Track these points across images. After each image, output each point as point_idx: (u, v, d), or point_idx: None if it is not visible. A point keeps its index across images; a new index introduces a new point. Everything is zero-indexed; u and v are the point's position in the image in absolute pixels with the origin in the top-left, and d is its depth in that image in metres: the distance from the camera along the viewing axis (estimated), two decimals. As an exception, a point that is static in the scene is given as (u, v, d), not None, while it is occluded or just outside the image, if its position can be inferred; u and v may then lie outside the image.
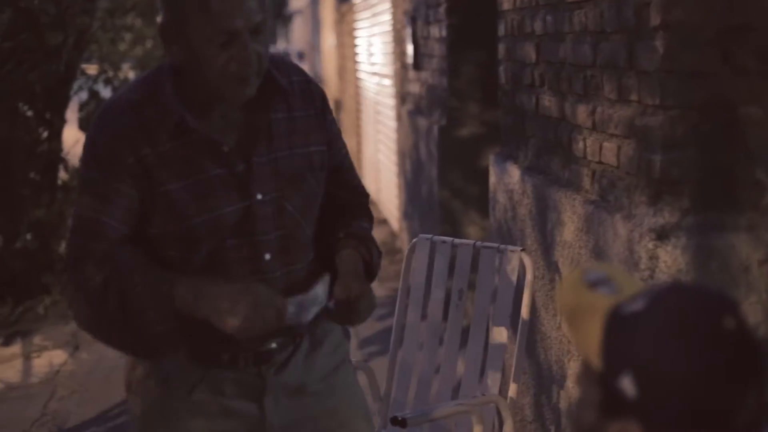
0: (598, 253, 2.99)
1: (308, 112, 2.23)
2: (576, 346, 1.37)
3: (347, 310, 2.18)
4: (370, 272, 2.28)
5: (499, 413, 3.04)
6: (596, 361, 1.32)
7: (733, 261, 2.64)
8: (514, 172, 3.86)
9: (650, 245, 2.67)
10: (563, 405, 3.38)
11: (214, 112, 2.11)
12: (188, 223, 2.09)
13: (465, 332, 3.26)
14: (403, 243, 7.37)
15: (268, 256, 2.15)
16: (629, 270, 2.73)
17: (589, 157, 3.15)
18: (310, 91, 2.25)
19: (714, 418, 1.24)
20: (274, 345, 2.21)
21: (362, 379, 4.35)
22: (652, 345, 1.25)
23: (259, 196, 2.13)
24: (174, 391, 2.17)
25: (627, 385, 1.26)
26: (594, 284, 1.37)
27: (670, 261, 2.65)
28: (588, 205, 3.10)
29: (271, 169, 2.14)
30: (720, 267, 2.64)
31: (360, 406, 2.37)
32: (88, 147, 2.14)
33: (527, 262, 3.11)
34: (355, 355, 5.49)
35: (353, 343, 5.76)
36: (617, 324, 1.30)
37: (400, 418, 2.75)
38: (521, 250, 3.16)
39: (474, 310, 3.24)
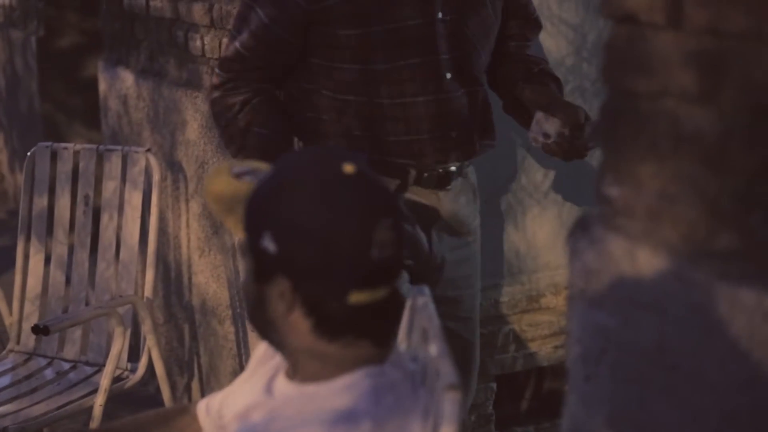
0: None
1: None
2: (230, 229, 1.50)
3: (572, 138, 2.26)
4: None
5: (136, 314, 3.06)
6: (243, 234, 1.43)
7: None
8: (127, 77, 3.82)
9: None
10: (196, 302, 3.46)
11: None
12: (368, 30, 2.18)
13: (95, 238, 3.24)
14: (2, 161, 7.06)
15: (449, 75, 2.25)
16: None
17: (208, 55, 3.19)
18: None
19: (349, 256, 1.35)
20: (453, 168, 2.33)
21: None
22: (280, 200, 1.36)
23: (440, 15, 2.24)
24: None
25: (268, 242, 1.36)
26: (240, 175, 1.48)
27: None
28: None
29: None
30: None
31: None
32: None
33: (153, 162, 3.13)
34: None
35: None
36: (253, 195, 1.42)
37: (41, 326, 2.70)
38: (147, 151, 3.17)
39: (102, 215, 3.22)
